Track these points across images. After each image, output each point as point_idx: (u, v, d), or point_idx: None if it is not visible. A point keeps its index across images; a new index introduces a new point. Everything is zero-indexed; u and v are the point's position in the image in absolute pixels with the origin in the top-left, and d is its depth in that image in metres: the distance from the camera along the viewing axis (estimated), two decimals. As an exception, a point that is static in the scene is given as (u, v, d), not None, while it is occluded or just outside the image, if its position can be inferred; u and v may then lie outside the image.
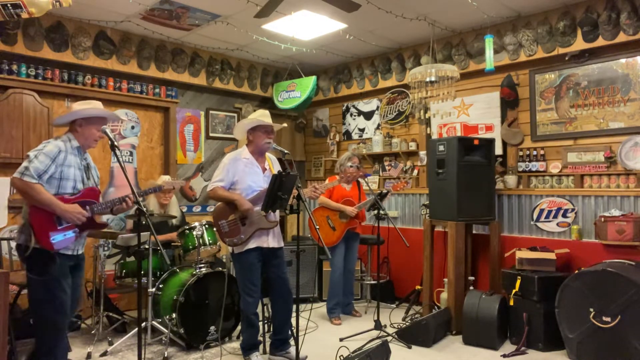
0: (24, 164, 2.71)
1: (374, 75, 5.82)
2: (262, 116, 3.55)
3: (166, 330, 3.80)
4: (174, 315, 3.78)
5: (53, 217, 2.76)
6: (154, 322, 3.91)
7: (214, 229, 3.67)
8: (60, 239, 2.78)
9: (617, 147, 4.09)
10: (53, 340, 2.86)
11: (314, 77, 5.89)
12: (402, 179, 4.71)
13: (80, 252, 3.00)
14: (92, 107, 3.00)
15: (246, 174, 3.48)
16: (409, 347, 3.90)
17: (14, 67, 4.37)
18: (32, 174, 2.68)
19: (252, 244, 3.43)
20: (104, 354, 3.72)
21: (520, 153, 4.70)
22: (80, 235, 2.92)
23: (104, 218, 4.97)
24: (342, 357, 3.10)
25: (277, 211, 3.50)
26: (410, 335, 3.96)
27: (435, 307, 4.68)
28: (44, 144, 2.84)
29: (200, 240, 4.15)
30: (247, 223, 3.43)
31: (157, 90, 5.33)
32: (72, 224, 2.82)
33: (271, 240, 3.52)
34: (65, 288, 2.84)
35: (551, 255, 3.99)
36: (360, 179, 4.59)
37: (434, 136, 5.33)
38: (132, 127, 5.28)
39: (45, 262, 2.75)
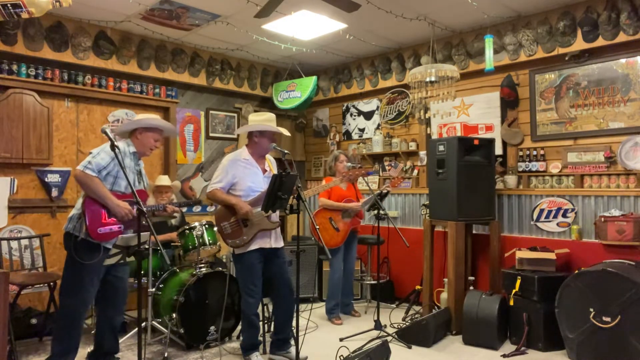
0: (88, 158, 3.03)
1: (374, 75, 5.82)
2: (271, 121, 3.57)
3: (166, 330, 3.80)
4: (174, 315, 3.78)
5: (104, 211, 3.04)
6: (154, 322, 3.91)
7: (216, 230, 3.68)
8: (106, 231, 3.04)
9: (617, 147, 4.09)
10: (71, 325, 3.09)
11: (314, 77, 5.89)
12: (397, 176, 4.71)
13: None
14: (153, 118, 3.36)
15: (246, 175, 3.49)
16: (409, 347, 3.91)
17: (14, 67, 4.37)
18: (94, 168, 2.99)
19: (254, 245, 3.43)
20: (104, 354, 3.72)
21: (520, 153, 4.70)
22: (124, 232, 3.14)
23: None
24: (342, 357, 3.11)
25: (278, 212, 3.51)
26: (410, 335, 3.96)
27: (435, 307, 4.68)
28: (106, 143, 3.03)
29: (200, 240, 4.15)
30: (249, 224, 3.43)
31: (157, 90, 5.33)
32: (119, 220, 3.08)
33: (273, 241, 3.52)
34: (95, 283, 3.10)
35: (551, 255, 3.99)
36: (362, 178, 4.57)
37: (434, 136, 5.33)
38: (132, 127, 5.27)
39: (92, 251, 3.01)
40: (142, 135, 3.26)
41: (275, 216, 3.54)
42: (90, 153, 3.07)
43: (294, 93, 5.96)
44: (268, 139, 3.54)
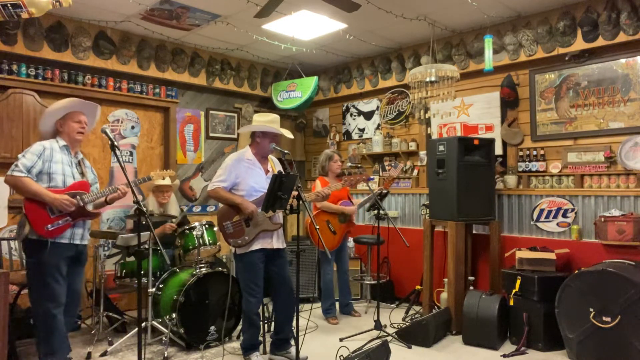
0: (14, 162, 3.01)
1: (374, 75, 5.82)
2: (274, 122, 3.58)
3: (166, 330, 3.80)
4: (174, 315, 3.78)
5: (46, 208, 3.00)
6: (154, 322, 3.91)
7: (218, 229, 3.68)
8: (55, 227, 3.01)
9: (617, 147, 4.09)
10: (49, 329, 3.01)
11: (315, 78, 5.89)
12: (388, 177, 4.72)
13: (78, 241, 3.15)
14: (62, 104, 3.19)
15: (249, 175, 3.49)
16: (409, 347, 3.90)
17: (14, 67, 4.37)
18: (21, 169, 2.96)
19: (256, 246, 3.44)
20: (104, 354, 3.72)
21: (520, 153, 4.70)
22: (75, 224, 3.10)
23: (105, 216, 5.01)
24: (342, 357, 3.10)
25: (281, 213, 3.51)
26: (410, 335, 3.96)
27: (435, 307, 4.68)
28: (31, 145, 3.10)
29: (200, 240, 4.15)
30: (251, 224, 3.43)
31: (157, 90, 5.33)
32: (64, 213, 3.04)
33: (275, 242, 3.53)
34: (58, 278, 3.04)
35: (551, 255, 4.00)
36: (362, 182, 4.56)
37: (434, 136, 5.33)
38: (132, 127, 5.28)
39: (41, 249, 2.99)
40: (63, 126, 3.18)
41: (278, 217, 3.54)
42: (17, 158, 3.03)
43: (295, 93, 5.95)
44: (270, 140, 3.55)
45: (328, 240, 4.54)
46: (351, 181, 4.13)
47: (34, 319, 3.12)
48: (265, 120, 3.57)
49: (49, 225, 2.99)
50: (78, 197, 3.07)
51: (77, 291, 3.28)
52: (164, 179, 3.66)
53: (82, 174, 3.24)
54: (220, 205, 3.59)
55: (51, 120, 3.18)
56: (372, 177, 5.89)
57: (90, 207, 3.19)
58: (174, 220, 4.54)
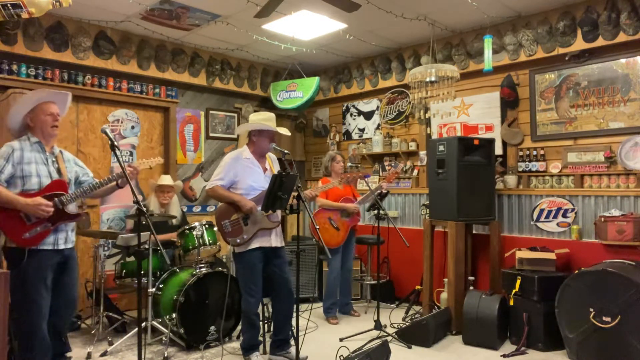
0: None
1: (374, 75, 5.82)
2: (270, 120, 3.56)
3: (166, 330, 3.80)
4: (174, 315, 3.78)
5: (20, 215, 2.78)
6: (154, 322, 3.91)
7: (216, 228, 3.68)
8: (32, 234, 2.79)
9: (617, 147, 4.09)
10: (29, 343, 2.84)
11: (317, 78, 5.90)
12: (393, 171, 4.70)
13: (62, 246, 2.95)
14: (29, 96, 2.97)
15: (247, 174, 3.49)
16: (409, 347, 3.90)
17: (14, 67, 4.37)
18: None
19: (254, 244, 3.43)
20: (104, 354, 3.72)
21: (520, 153, 4.70)
22: (56, 229, 2.89)
23: (105, 216, 5.01)
24: (342, 357, 3.10)
25: (279, 212, 3.51)
26: (410, 335, 3.96)
27: (435, 307, 4.68)
28: None
29: (200, 240, 4.15)
30: (249, 223, 3.43)
31: (157, 90, 5.33)
32: (42, 218, 2.81)
33: (274, 240, 3.52)
34: (41, 291, 2.83)
35: (551, 255, 4.00)
36: (360, 180, 4.58)
37: (434, 136, 5.33)
38: (132, 127, 5.28)
39: (21, 259, 2.78)
40: (33, 120, 2.91)
41: (276, 215, 3.54)
42: None
43: (295, 93, 5.95)
44: (267, 138, 3.54)
45: (332, 236, 4.55)
46: (348, 179, 4.16)
47: (15, 328, 2.89)
48: (261, 119, 3.56)
49: (27, 234, 2.77)
50: (56, 199, 2.84)
51: (71, 299, 3.09)
52: (151, 167, 3.53)
53: (59, 170, 2.97)
54: (219, 204, 3.59)
55: (19, 115, 2.92)
56: (369, 174, 5.90)
57: (72, 208, 2.97)
58: (174, 220, 4.54)
